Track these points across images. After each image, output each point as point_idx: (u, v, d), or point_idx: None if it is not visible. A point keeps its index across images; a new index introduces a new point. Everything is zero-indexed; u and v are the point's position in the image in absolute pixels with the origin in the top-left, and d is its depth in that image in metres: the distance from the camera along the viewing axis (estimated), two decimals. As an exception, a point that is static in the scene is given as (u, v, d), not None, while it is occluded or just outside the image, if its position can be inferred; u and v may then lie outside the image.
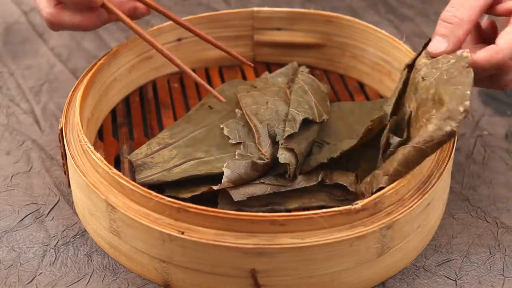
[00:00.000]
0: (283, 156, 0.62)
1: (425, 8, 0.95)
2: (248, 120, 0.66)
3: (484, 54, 0.59)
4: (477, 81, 0.57)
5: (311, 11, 0.78)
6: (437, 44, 0.60)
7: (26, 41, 0.89)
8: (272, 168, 0.64)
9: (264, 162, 0.63)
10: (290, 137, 0.64)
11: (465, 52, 0.58)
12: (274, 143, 0.65)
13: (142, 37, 0.70)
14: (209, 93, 0.69)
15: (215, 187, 0.61)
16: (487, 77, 0.61)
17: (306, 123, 0.66)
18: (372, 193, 0.56)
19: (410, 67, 0.63)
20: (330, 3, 0.96)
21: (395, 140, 0.58)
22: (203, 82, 0.68)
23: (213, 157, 0.65)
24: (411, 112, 0.59)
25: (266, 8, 0.79)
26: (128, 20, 0.70)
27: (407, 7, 0.96)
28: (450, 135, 0.54)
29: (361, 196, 0.58)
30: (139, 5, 0.72)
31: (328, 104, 0.72)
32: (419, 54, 0.62)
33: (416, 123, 0.57)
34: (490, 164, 0.70)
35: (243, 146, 0.65)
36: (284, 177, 0.63)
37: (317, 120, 0.67)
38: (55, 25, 0.69)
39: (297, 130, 0.64)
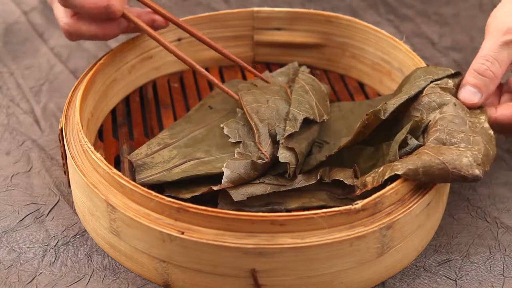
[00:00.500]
0: (283, 156, 0.62)
1: (425, 8, 0.95)
2: (249, 119, 0.66)
3: (507, 112, 0.62)
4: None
5: (311, 11, 0.78)
6: (471, 96, 0.63)
7: (26, 41, 0.89)
8: (272, 167, 0.64)
9: (264, 161, 0.63)
10: (290, 136, 0.64)
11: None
12: (274, 143, 0.65)
13: (167, 49, 0.70)
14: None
15: (215, 188, 0.61)
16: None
17: (307, 123, 0.66)
18: (382, 182, 0.57)
19: (432, 81, 0.64)
20: (330, 3, 0.96)
21: (413, 142, 0.60)
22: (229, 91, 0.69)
23: (213, 157, 0.65)
24: (429, 121, 0.61)
25: (266, 8, 0.79)
26: (150, 30, 0.70)
27: (407, 7, 0.96)
28: (473, 178, 0.56)
29: (362, 187, 0.58)
30: (158, 17, 0.72)
31: (328, 104, 0.72)
32: (443, 78, 0.64)
33: (434, 133, 0.59)
34: (490, 164, 0.70)
35: (243, 145, 0.65)
36: (284, 176, 0.63)
37: (318, 120, 0.67)
38: (73, 35, 0.69)
39: (297, 129, 0.64)
